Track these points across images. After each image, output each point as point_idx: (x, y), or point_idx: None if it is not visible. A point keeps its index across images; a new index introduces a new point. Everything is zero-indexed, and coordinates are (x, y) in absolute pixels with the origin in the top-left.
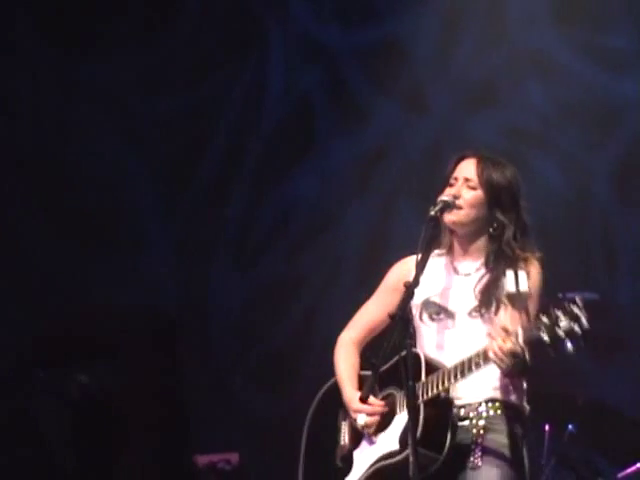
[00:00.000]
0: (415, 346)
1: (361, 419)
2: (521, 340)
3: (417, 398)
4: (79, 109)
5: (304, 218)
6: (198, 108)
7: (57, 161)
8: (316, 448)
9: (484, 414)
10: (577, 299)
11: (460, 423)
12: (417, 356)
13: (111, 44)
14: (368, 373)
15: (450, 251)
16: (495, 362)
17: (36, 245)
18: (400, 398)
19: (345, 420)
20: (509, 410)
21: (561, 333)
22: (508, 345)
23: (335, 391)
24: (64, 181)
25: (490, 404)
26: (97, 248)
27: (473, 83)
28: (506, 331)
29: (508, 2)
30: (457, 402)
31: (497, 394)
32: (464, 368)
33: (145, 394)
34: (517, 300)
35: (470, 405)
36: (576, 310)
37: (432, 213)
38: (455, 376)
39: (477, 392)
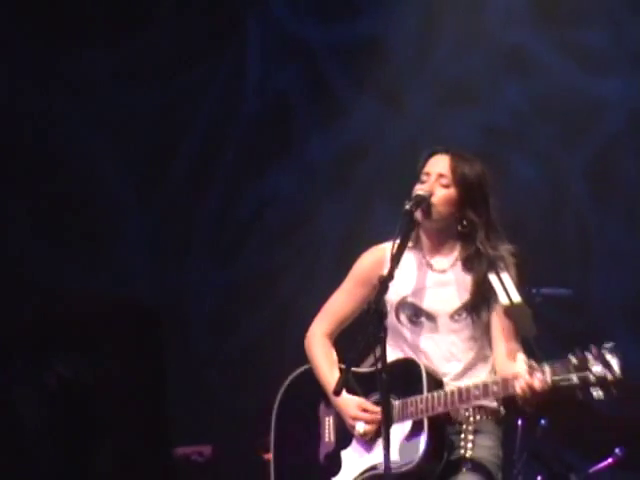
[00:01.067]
0: (386, 340)
1: (360, 427)
2: (549, 379)
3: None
4: (56, 102)
5: (281, 214)
6: (175, 103)
7: (34, 153)
8: (288, 438)
9: (471, 419)
10: (609, 345)
11: (450, 425)
12: (416, 365)
13: (88, 37)
14: (362, 370)
15: (419, 245)
16: (519, 398)
17: (12, 236)
18: (398, 407)
19: (329, 416)
20: (493, 414)
21: (592, 378)
22: (536, 384)
23: (307, 381)
24: (41, 173)
25: (477, 409)
26: (73, 242)
27: (451, 81)
28: (533, 368)
29: (487, 0)
30: None
31: (484, 401)
32: (478, 394)
33: (126, 386)
34: (513, 313)
35: (457, 411)
36: (608, 356)
37: (407, 207)
38: (463, 401)
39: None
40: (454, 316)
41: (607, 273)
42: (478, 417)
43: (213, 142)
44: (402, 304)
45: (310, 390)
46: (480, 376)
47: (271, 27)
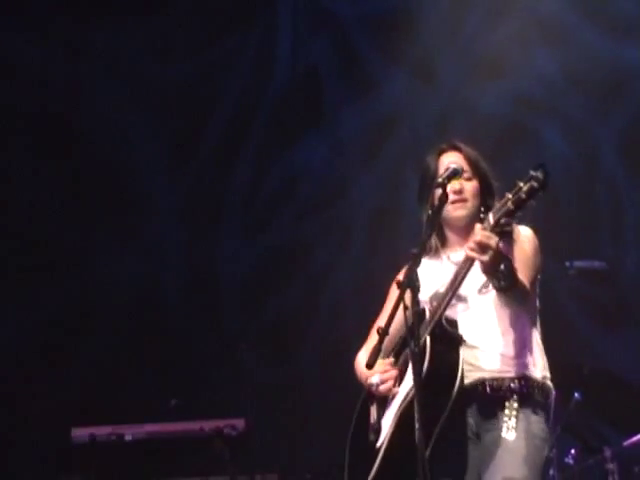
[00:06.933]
0: (419, 313)
1: (375, 378)
2: (492, 220)
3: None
4: (89, 75)
5: (312, 186)
6: (206, 74)
7: (64, 125)
8: (358, 449)
9: (517, 390)
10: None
11: (493, 393)
12: (424, 312)
13: (119, 9)
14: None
15: (441, 247)
16: (474, 257)
17: (43, 209)
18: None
19: (373, 403)
20: (538, 388)
21: (523, 193)
22: (485, 231)
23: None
24: (71, 145)
25: (523, 382)
26: (104, 215)
27: (482, 52)
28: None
29: None
30: (488, 375)
31: (527, 371)
32: (455, 280)
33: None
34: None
35: (503, 380)
36: (532, 171)
37: (440, 180)
38: (452, 291)
39: (509, 368)
40: (482, 290)
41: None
42: (525, 390)
43: (244, 114)
44: (434, 296)
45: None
46: (517, 342)
47: None
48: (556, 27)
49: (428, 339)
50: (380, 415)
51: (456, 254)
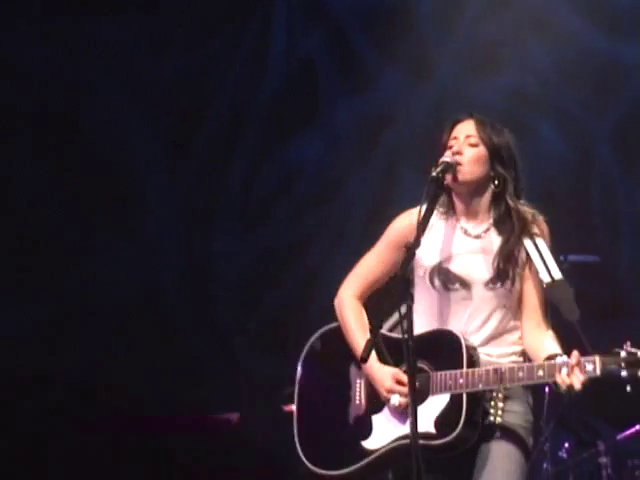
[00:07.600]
0: (412, 308)
1: (395, 399)
2: (599, 372)
3: (458, 387)
4: (89, 75)
5: (308, 182)
6: (201, 70)
7: (65, 125)
8: (313, 391)
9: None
10: None
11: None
12: (457, 341)
13: (117, 6)
14: (392, 335)
15: (453, 212)
16: (564, 385)
17: (42, 205)
18: (435, 378)
19: (360, 378)
20: (524, 388)
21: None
22: (585, 375)
23: (338, 338)
24: (69, 142)
25: None
26: (103, 211)
27: (478, 47)
28: (579, 363)
29: None
30: None
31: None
32: (523, 376)
33: None
34: (554, 292)
35: None
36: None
37: (434, 174)
38: (506, 381)
39: (498, 363)
40: (489, 284)
41: (634, 240)
42: (510, 390)
43: (239, 110)
44: (437, 269)
45: (341, 348)
46: (504, 345)
47: None
48: (552, 23)
49: (465, 399)
50: (372, 407)
51: (470, 226)
